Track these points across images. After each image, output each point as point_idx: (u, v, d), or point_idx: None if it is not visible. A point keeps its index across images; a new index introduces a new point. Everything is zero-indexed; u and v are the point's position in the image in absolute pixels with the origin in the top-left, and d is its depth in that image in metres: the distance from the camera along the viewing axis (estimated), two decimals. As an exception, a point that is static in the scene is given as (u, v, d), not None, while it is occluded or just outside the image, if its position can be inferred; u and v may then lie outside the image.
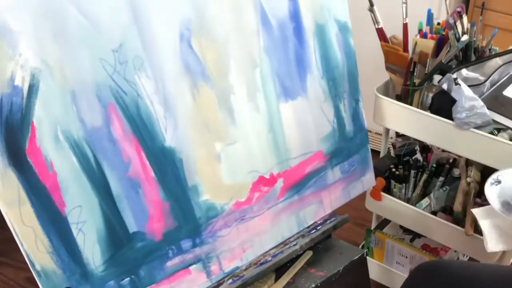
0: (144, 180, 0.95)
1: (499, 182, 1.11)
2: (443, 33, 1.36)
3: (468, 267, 1.11)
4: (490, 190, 1.09)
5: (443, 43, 1.35)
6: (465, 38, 1.32)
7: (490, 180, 1.11)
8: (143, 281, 0.99)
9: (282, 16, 1.08)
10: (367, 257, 1.35)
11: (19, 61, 0.79)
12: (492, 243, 1.07)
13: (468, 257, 1.59)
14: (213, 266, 1.07)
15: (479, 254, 1.42)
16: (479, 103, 1.24)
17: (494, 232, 1.08)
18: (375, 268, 1.68)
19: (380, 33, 1.38)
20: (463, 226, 1.37)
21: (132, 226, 0.95)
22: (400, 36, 1.40)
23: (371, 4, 1.34)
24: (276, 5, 1.07)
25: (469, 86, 1.27)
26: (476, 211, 1.12)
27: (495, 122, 1.26)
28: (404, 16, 1.37)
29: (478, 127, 1.26)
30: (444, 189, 1.49)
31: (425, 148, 1.59)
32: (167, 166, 0.97)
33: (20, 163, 0.82)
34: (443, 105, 1.30)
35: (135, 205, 0.95)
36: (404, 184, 1.51)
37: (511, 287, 0.96)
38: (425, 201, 1.48)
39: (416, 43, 1.34)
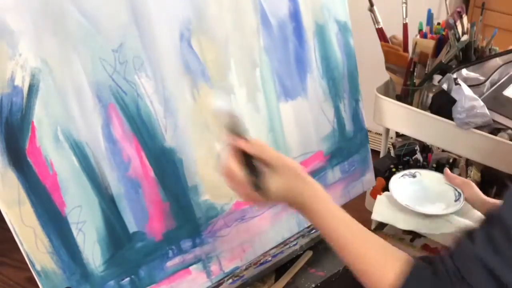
0: (144, 180, 0.95)
1: (414, 176, 1.21)
2: (443, 33, 1.36)
3: None
4: (397, 179, 1.20)
5: (443, 43, 1.35)
6: (465, 38, 1.32)
7: (405, 172, 1.21)
8: (143, 281, 0.99)
9: (282, 16, 1.08)
10: (367, 257, 1.34)
11: (19, 61, 0.79)
12: (377, 213, 1.18)
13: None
14: (213, 266, 1.07)
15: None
16: (479, 103, 1.24)
17: (384, 206, 1.17)
18: (375, 268, 1.67)
19: (380, 33, 1.38)
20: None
21: (132, 226, 0.95)
22: (400, 36, 1.40)
23: (371, 4, 1.34)
24: (276, 5, 1.07)
25: (469, 86, 1.27)
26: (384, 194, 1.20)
27: (495, 122, 1.26)
28: (404, 16, 1.38)
29: (478, 127, 1.26)
30: (444, 189, 1.49)
31: (425, 148, 1.59)
32: (167, 166, 0.97)
33: (20, 163, 0.82)
34: (443, 105, 1.30)
35: (135, 205, 0.95)
36: (404, 184, 1.51)
37: None
38: (425, 201, 1.48)
39: (416, 43, 1.34)
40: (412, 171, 1.22)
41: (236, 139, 0.85)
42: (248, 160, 0.84)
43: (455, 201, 1.13)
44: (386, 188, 1.53)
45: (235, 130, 0.84)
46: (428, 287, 0.74)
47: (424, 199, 1.15)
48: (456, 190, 1.14)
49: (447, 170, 1.18)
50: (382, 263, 0.78)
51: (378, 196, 1.19)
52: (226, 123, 0.84)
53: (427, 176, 1.21)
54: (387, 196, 1.17)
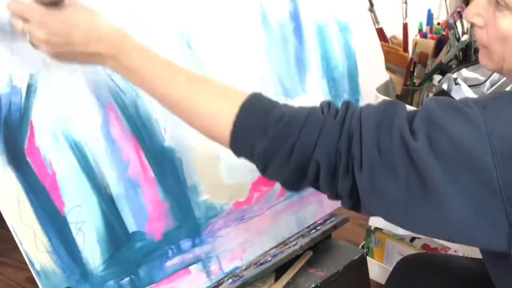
0: (144, 180, 0.95)
1: None
2: (443, 33, 1.36)
3: (450, 260, 1.11)
4: None
5: (443, 43, 1.35)
6: (465, 38, 1.32)
7: None
8: (143, 281, 0.99)
9: (282, 16, 1.08)
10: (367, 257, 1.35)
11: (18, 60, 0.79)
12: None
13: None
14: (213, 266, 1.07)
15: (480, 254, 1.42)
16: (479, 103, 1.23)
17: None
18: (375, 268, 1.67)
19: (380, 33, 1.38)
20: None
21: (131, 226, 0.95)
22: (400, 36, 1.40)
23: (371, 4, 1.34)
24: (276, 5, 1.07)
25: (469, 86, 1.27)
26: None
27: (495, 122, 1.26)
28: (404, 16, 1.38)
29: (478, 127, 1.26)
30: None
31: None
32: (166, 166, 0.96)
33: (19, 162, 0.82)
34: (443, 105, 1.30)
35: (135, 205, 0.95)
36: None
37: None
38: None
39: (416, 43, 1.34)
40: None
41: None
42: None
43: None
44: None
45: None
46: (261, 115, 0.73)
47: None
48: None
49: None
50: (221, 108, 0.76)
51: None
52: None
53: None
54: None
